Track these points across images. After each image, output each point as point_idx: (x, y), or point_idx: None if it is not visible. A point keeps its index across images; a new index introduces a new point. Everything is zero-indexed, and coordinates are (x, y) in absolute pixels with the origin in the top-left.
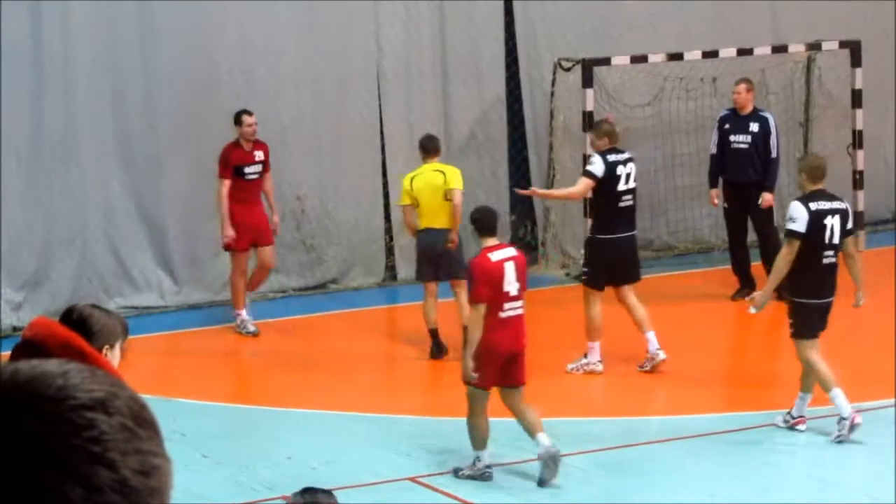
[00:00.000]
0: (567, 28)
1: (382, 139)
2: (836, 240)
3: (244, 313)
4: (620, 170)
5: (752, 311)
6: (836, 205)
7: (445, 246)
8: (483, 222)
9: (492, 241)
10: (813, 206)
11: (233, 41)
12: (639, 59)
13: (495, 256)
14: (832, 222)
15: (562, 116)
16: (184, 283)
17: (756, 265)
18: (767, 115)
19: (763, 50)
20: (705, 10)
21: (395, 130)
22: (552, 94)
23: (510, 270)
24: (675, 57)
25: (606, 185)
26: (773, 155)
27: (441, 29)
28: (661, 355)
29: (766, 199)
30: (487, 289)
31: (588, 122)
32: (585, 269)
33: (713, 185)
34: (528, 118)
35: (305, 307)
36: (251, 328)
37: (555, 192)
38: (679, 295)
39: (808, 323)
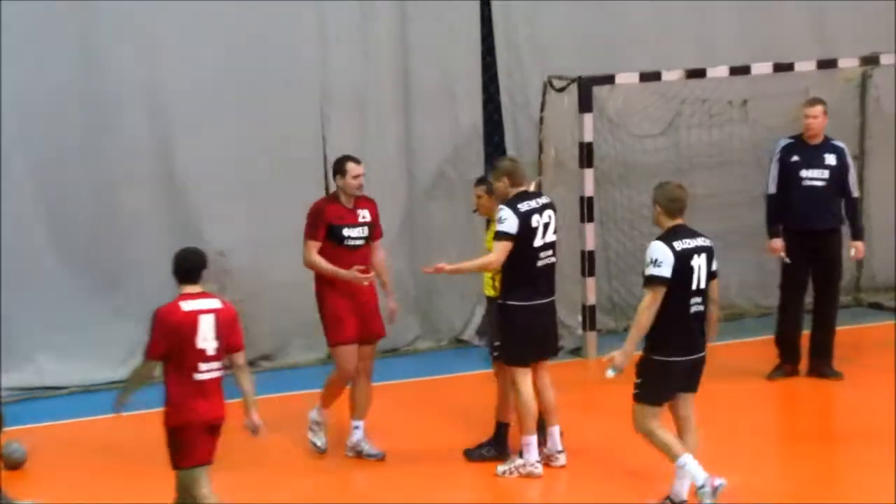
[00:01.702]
0: (559, 39)
1: (327, 179)
2: (703, 284)
3: (319, 415)
4: (536, 220)
5: (610, 373)
6: (700, 242)
7: None
8: (182, 266)
9: (191, 289)
10: (678, 245)
11: (140, 48)
12: (650, 77)
13: (188, 306)
14: (699, 263)
15: (553, 149)
16: (76, 360)
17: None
18: (842, 144)
19: (806, 65)
20: (732, 17)
21: None
22: (541, 120)
23: (206, 325)
24: (696, 74)
25: (519, 241)
26: (856, 194)
27: (403, 42)
28: (562, 460)
29: (860, 249)
30: (166, 344)
31: (587, 155)
32: (498, 343)
33: (775, 233)
34: (510, 151)
35: (230, 390)
36: (319, 442)
37: (466, 264)
38: (705, 372)
39: (658, 385)
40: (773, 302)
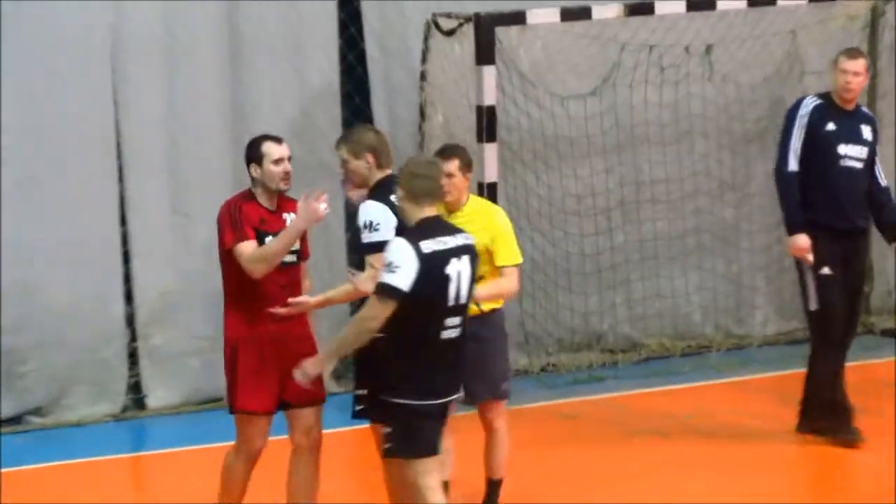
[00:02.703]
0: None
1: (120, 159)
2: (463, 298)
3: None
4: None
5: (298, 376)
6: (460, 240)
7: None
8: None
9: None
10: (426, 246)
11: None
12: (575, 15)
13: None
14: (458, 270)
15: (440, 115)
16: None
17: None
18: (871, 113)
19: None
20: None
21: (145, 146)
22: (422, 76)
23: None
24: (640, 10)
25: None
26: (885, 182)
27: None
28: None
29: None
30: None
31: (489, 125)
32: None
33: (801, 226)
34: (380, 119)
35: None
36: None
37: (338, 292)
38: (657, 428)
39: (414, 435)
40: (749, 330)
